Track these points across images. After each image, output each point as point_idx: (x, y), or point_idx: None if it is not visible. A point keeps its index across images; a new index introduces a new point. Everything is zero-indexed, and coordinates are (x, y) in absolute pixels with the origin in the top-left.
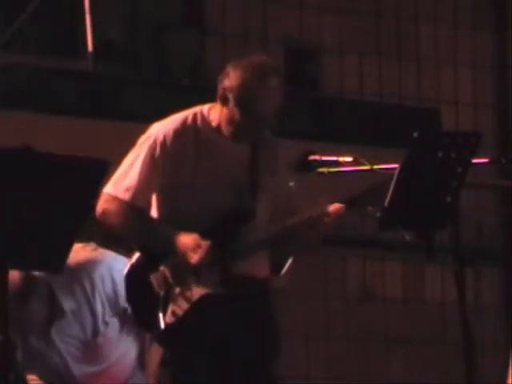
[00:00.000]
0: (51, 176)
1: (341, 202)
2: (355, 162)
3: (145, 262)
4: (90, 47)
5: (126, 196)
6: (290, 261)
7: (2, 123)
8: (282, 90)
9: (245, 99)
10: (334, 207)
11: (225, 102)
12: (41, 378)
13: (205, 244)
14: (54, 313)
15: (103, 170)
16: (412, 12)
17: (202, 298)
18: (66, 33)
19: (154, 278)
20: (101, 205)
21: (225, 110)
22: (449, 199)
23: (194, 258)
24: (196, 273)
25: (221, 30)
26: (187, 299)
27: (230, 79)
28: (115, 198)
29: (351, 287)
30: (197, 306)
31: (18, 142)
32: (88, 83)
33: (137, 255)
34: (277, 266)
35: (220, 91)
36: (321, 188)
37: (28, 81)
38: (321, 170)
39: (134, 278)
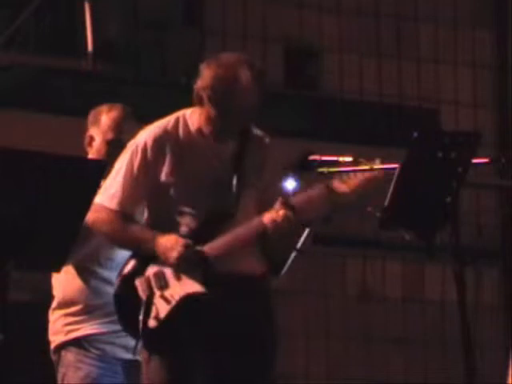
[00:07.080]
0: (51, 176)
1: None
2: (355, 162)
3: (138, 269)
4: (89, 47)
5: (112, 204)
6: (289, 261)
7: (2, 123)
8: (259, 85)
9: (217, 97)
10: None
11: (200, 101)
12: None
13: (182, 241)
14: None
15: (102, 169)
16: (412, 12)
17: (184, 300)
18: (66, 32)
19: (138, 283)
20: (90, 214)
21: (202, 111)
22: (449, 199)
23: (173, 255)
24: (177, 274)
25: (221, 30)
26: (168, 301)
27: (203, 79)
28: (102, 207)
29: (351, 287)
30: (178, 308)
31: (18, 142)
32: (88, 83)
33: (132, 263)
34: (276, 267)
35: (195, 91)
36: None
37: (28, 81)
38: (321, 169)
39: (124, 288)
